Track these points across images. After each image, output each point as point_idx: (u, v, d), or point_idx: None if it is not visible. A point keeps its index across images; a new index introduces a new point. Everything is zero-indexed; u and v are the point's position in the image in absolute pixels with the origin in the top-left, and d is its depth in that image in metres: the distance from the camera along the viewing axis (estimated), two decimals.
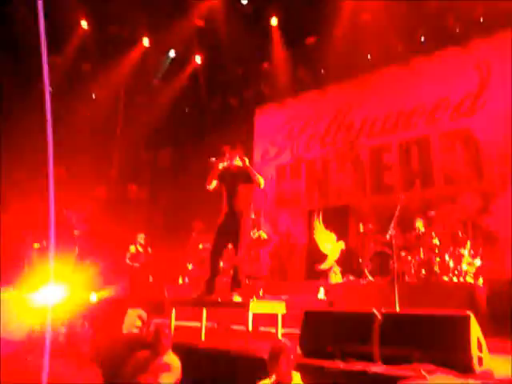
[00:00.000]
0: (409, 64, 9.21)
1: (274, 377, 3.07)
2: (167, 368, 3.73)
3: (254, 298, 5.12)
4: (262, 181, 5.26)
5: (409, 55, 9.18)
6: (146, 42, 10.93)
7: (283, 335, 4.87)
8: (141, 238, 8.97)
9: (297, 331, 4.54)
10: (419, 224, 6.96)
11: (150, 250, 9.06)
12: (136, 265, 8.73)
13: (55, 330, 2.63)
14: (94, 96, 11.80)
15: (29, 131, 10.51)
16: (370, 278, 7.09)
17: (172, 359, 3.84)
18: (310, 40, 9.90)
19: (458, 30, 8.70)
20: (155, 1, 10.10)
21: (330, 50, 9.42)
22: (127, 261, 8.79)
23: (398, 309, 4.32)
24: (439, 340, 3.19)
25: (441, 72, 8.76)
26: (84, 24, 10.73)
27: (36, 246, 7.74)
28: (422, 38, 9.16)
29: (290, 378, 3.06)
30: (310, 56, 10.04)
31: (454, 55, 8.63)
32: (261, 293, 7.05)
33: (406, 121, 9.14)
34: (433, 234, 6.84)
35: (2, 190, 8.90)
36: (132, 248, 8.84)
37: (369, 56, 9.72)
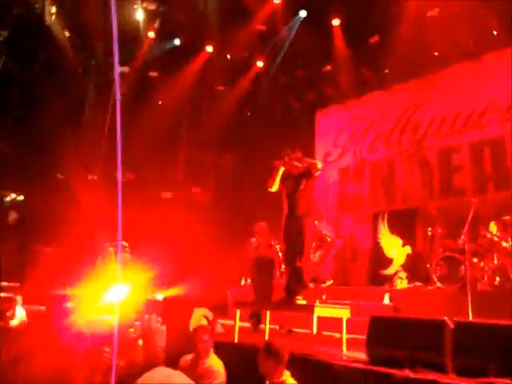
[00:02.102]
0: (480, 60, 8.73)
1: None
2: (210, 372, 3.78)
3: (318, 302, 5.10)
4: (319, 164, 5.23)
5: (480, 50, 8.71)
6: (209, 48, 11.21)
7: (348, 340, 4.80)
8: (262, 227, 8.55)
9: (361, 337, 4.46)
10: (493, 228, 6.57)
11: (273, 242, 8.66)
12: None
13: (130, 324, 2.76)
14: (160, 103, 12.27)
15: (98, 138, 11.19)
16: (439, 284, 6.80)
17: (214, 363, 3.88)
18: (374, 39, 9.66)
19: None
20: (218, 8, 10.36)
21: (395, 49, 9.15)
22: (250, 251, 8.74)
23: (471, 317, 4.12)
24: None
25: None
26: (151, 34, 11.21)
27: (110, 248, 8.15)
28: (495, 32, 8.65)
29: (281, 375, 3.29)
30: (374, 55, 9.79)
31: None
32: (324, 297, 7.00)
33: (477, 120, 8.66)
34: (509, 239, 6.43)
35: (80, 192, 9.47)
36: (253, 240, 8.66)
37: (436, 53, 9.33)
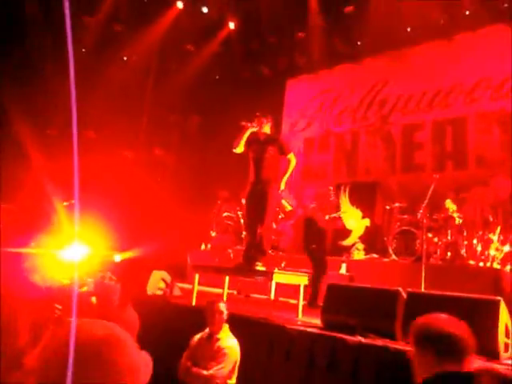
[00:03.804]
0: (451, 39, 8.81)
1: (207, 329, 3.66)
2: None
3: (277, 269, 5.15)
4: (293, 160, 5.24)
5: (451, 30, 8.78)
6: (179, 4, 10.75)
7: (304, 307, 4.90)
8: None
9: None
10: (449, 205, 6.80)
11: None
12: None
13: (83, 282, 2.68)
14: (125, 58, 11.76)
15: (59, 91, 10.64)
16: (394, 256, 7.02)
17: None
18: (349, 9, 9.53)
19: (506, 5, 8.25)
20: None
21: (369, 21, 9.09)
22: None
23: (423, 289, 4.27)
24: (466, 323, 3.13)
25: (483, 50, 8.36)
26: None
27: (65, 203, 7.88)
28: (467, 12, 8.72)
29: (220, 328, 3.60)
30: (348, 26, 9.70)
31: (499, 33, 8.20)
32: (283, 264, 7.09)
33: (442, 99, 8.82)
34: (460, 217, 6.69)
35: (32, 147, 9.07)
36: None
37: (408, 29, 9.33)
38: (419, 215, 4.55)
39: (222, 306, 3.65)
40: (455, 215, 6.64)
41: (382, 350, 3.19)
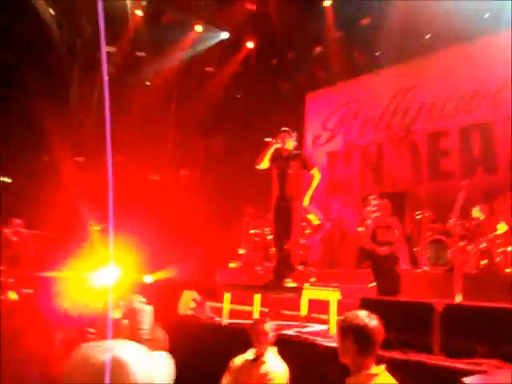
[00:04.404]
0: (471, 44, 8.71)
1: (253, 350, 3.52)
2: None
3: (307, 284, 5.11)
4: (317, 175, 5.23)
5: (471, 34, 8.66)
6: (198, 28, 10.99)
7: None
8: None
9: None
10: (477, 213, 6.61)
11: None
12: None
13: (115, 305, 2.72)
14: (147, 83, 12.06)
15: (85, 119, 11.00)
16: (426, 267, 6.86)
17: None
18: (365, 21, 9.56)
19: None
20: None
21: (386, 31, 9.08)
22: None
23: (458, 300, 4.16)
24: (506, 335, 3.04)
25: (506, 51, 8.21)
26: (138, 12, 10.94)
27: (96, 228, 8.06)
28: (486, 15, 8.61)
29: (265, 350, 3.47)
30: (365, 38, 9.71)
31: None
32: (312, 279, 7.03)
33: (467, 104, 8.67)
34: (495, 225, 6.49)
35: (65, 171, 9.34)
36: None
37: (427, 36, 9.27)
38: (451, 223, 4.44)
39: (268, 327, 3.49)
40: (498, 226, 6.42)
41: (419, 365, 3.11)
